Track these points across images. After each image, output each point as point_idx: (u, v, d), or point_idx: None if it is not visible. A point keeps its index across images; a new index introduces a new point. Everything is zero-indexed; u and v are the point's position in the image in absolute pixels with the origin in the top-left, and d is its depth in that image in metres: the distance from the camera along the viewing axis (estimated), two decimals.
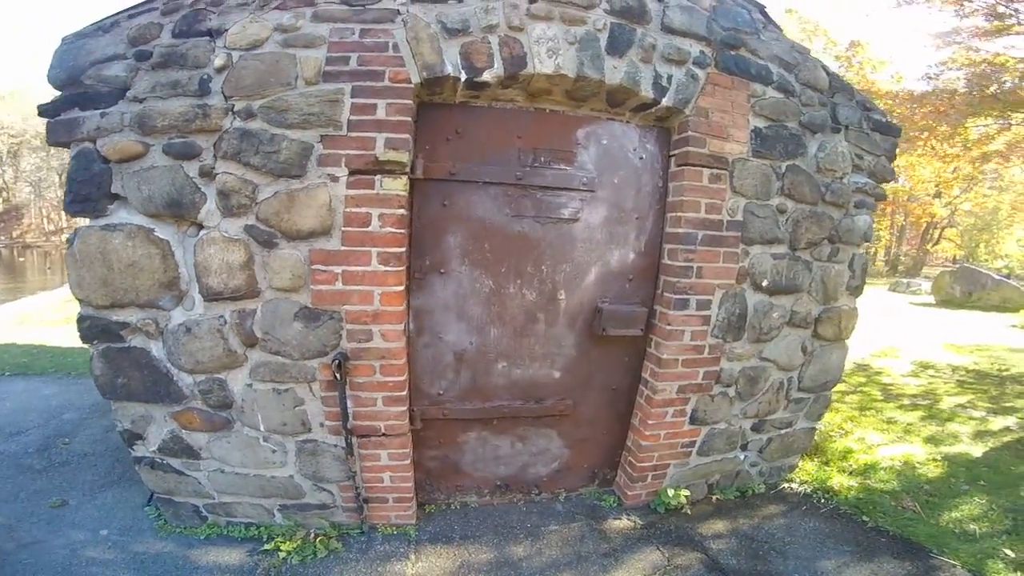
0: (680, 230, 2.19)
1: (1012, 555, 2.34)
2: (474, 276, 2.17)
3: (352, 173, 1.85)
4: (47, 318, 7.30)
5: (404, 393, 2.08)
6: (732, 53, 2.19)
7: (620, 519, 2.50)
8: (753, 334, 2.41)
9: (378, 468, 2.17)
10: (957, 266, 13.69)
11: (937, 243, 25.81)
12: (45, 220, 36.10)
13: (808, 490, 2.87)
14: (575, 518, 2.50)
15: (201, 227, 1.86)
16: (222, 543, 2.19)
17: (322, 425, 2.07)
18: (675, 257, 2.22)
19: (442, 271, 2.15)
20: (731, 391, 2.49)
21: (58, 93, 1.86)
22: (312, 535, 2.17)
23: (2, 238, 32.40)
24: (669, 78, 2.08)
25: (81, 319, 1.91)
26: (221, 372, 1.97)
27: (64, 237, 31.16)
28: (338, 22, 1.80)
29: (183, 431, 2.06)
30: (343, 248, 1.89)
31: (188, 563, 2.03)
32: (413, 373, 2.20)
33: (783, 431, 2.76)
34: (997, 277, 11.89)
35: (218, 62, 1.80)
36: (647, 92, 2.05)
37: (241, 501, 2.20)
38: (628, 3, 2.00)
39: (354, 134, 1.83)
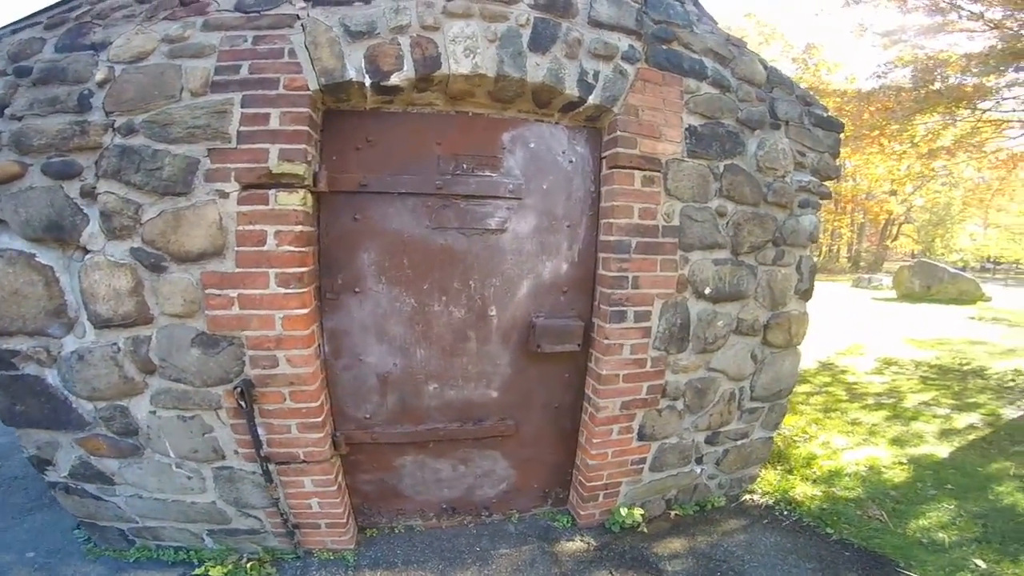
0: (612, 238, 1.92)
1: (983, 565, 2.08)
2: (393, 294, 1.89)
3: (244, 188, 1.58)
4: None
5: (320, 419, 1.79)
6: (664, 47, 1.93)
7: (573, 540, 2.20)
8: (698, 344, 2.14)
9: (303, 495, 1.88)
10: (915, 261, 13.43)
11: (895, 239, 25.52)
12: None
13: (770, 501, 2.56)
14: (527, 540, 2.20)
15: (86, 251, 1.59)
16: (152, 566, 1.93)
17: (236, 452, 1.78)
18: (609, 267, 1.95)
19: (357, 290, 1.87)
20: (679, 404, 2.21)
21: None
22: (245, 559, 1.90)
23: None
24: (596, 74, 1.82)
25: None
26: (121, 399, 1.69)
27: None
28: (230, 30, 1.56)
29: (92, 457, 1.77)
30: (238, 270, 1.62)
31: None
32: (334, 397, 1.92)
33: (739, 442, 2.46)
34: (953, 271, 11.64)
35: (99, 76, 1.54)
36: (572, 90, 1.79)
37: (166, 525, 1.92)
38: None
39: (244, 146, 1.56)
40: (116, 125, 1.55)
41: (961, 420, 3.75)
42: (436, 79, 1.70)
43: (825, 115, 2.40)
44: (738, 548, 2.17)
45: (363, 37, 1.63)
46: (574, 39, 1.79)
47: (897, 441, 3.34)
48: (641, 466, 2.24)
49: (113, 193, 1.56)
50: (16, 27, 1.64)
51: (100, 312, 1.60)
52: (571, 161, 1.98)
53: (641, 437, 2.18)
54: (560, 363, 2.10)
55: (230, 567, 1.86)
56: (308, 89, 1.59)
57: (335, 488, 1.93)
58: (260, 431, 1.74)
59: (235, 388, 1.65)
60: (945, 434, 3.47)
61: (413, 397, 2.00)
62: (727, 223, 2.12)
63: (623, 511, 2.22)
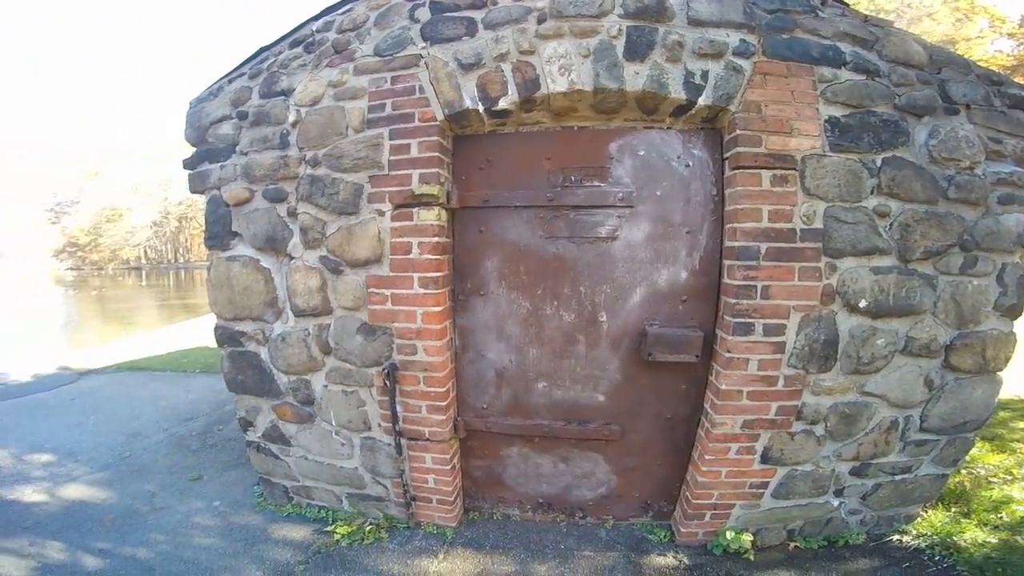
0: (738, 243, 1.60)
1: None
2: (511, 298, 1.86)
3: (395, 207, 1.72)
4: None
5: (445, 403, 1.85)
6: (784, 36, 1.57)
7: (665, 556, 1.88)
8: (849, 364, 1.65)
9: (423, 469, 1.96)
10: None
11: None
12: None
13: (923, 544, 1.87)
14: (615, 547, 1.95)
15: (291, 257, 1.91)
16: (297, 521, 2.18)
17: (379, 425, 1.94)
18: (734, 275, 1.63)
19: (482, 293, 1.89)
20: (818, 429, 1.73)
21: (193, 150, 2.06)
22: (367, 523, 2.04)
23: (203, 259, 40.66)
24: (704, 74, 1.57)
25: (216, 328, 2.10)
26: (306, 374, 1.98)
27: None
28: (373, 72, 1.72)
29: (279, 421, 2.11)
30: (391, 274, 1.77)
31: (263, 534, 2.05)
32: (459, 386, 1.97)
33: (897, 477, 1.84)
34: None
35: (291, 118, 1.84)
36: (678, 94, 1.56)
37: (318, 486, 2.17)
38: (644, 2, 1.56)
39: (394, 172, 1.71)
40: (306, 158, 1.83)
41: None
42: (538, 99, 1.64)
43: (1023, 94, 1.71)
44: None
45: (473, 68, 1.66)
46: (673, 42, 1.57)
47: None
48: (761, 491, 1.81)
49: (308, 213, 1.84)
50: (231, 77, 2.01)
51: (298, 304, 1.90)
52: (688, 165, 1.74)
53: (765, 460, 1.76)
54: (675, 374, 1.82)
55: (354, 528, 2.01)
56: (436, 120, 1.68)
57: (449, 468, 1.96)
58: (398, 408, 1.86)
59: (384, 370, 1.80)
60: None
61: (524, 393, 1.94)
62: (890, 225, 1.62)
63: (729, 534, 1.82)
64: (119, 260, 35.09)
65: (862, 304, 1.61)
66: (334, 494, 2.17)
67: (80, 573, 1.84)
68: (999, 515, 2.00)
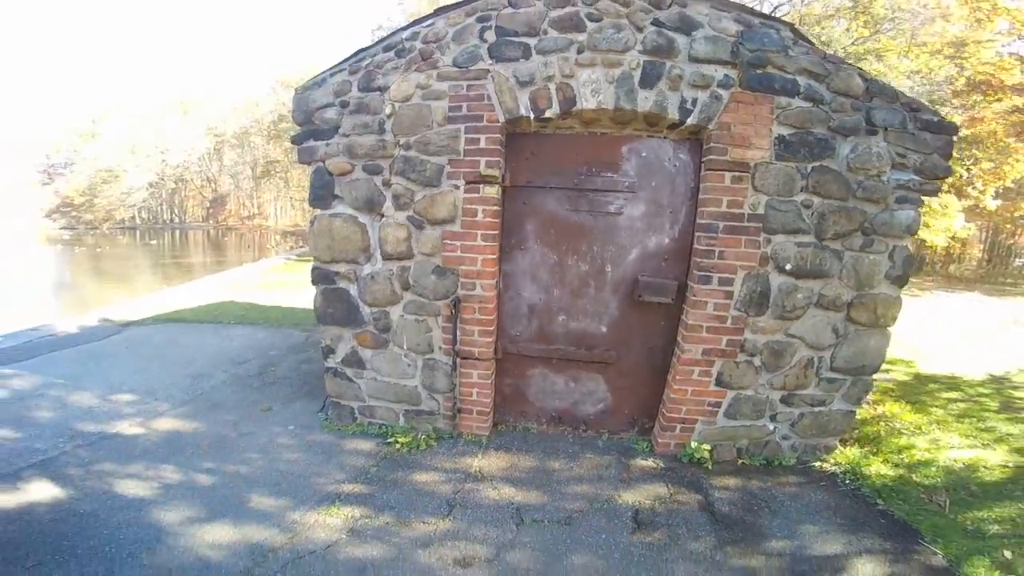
0: (704, 221, 2.75)
1: (1008, 557, 2.32)
2: (543, 252, 3.04)
3: (467, 183, 2.88)
4: (252, 284, 10.16)
5: (492, 329, 3.04)
6: (758, 72, 2.65)
7: (647, 460, 3.08)
8: (777, 311, 2.82)
9: (470, 384, 3.15)
10: None
11: None
12: (242, 207, 45.11)
13: (838, 471, 3.02)
14: (609, 452, 3.16)
15: (383, 216, 3.06)
16: (361, 437, 3.28)
17: (440, 347, 3.13)
18: (701, 242, 2.79)
19: (522, 248, 3.07)
20: (756, 361, 2.91)
21: (299, 128, 3.13)
22: (420, 435, 3.22)
23: (211, 221, 41.93)
24: (694, 101, 2.68)
25: (313, 269, 3.25)
26: (387, 306, 3.15)
27: (256, 222, 39.19)
28: (453, 80, 2.82)
29: (359, 347, 3.28)
30: (461, 230, 2.93)
31: (337, 448, 3.15)
32: (500, 317, 3.16)
33: (816, 409, 3.02)
34: None
35: (387, 111, 2.95)
36: (674, 115, 2.68)
37: (381, 404, 3.34)
38: (659, 42, 2.64)
39: (467, 158, 2.85)
40: (400, 143, 2.96)
41: None
42: (573, 112, 2.76)
43: (935, 119, 2.80)
44: (783, 495, 2.75)
45: (527, 85, 2.77)
46: (676, 75, 2.67)
47: (1019, 451, 3.31)
48: (716, 409, 3.01)
49: (400, 184, 2.99)
50: (332, 71, 3.08)
51: (387, 250, 3.06)
52: (675, 165, 2.87)
53: (719, 383, 2.95)
54: (657, 313, 3.00)
55: (410, 439, 3.17)
56: (499, 122, 2.80)
57: (489, 383, 3.16)
58: (457, 333, 3.04)
59: (451, 302, 2.97)
60: None
61: (548, 323, 3.13)
62: (811, 213, 2.76)
63: (694, 445, 3.02)
64: (113, 220, 37.28)
65: (788, 267, 2.77)
66: (394, 411, 3.37)
67: (199, 488, 2.66)
68: (901, 456, 3.20)
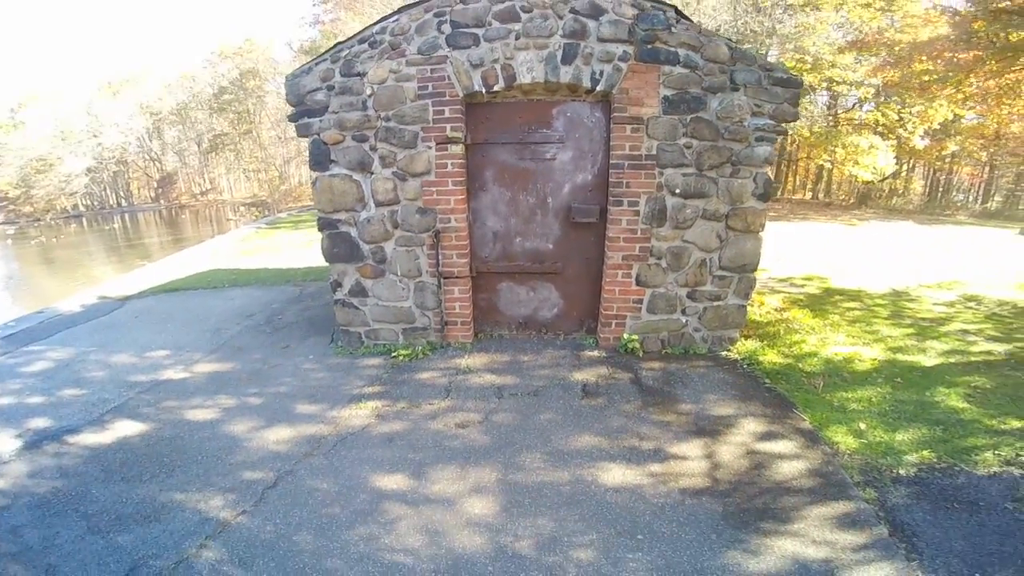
0: (614, 161, 4.36)
1: (862, 427, 3.39)
2: (500, 191, 4.61)
3: (437, 144, 4.39)
4: (232, 252, 11.53)
5: (467, 252, 4.61)
6: (648, 46, 4.21)
7: (593, 352, 4.73)
8: (673, 223, 4.47)
9: (452, 299, 4.73)
10: None
11: None
12: (192, 183, 47.47)
13: (739, 358, 4.63)
14: (564, 348, 4.81)
15: (373, 174, 4.56)
16: (370, 356, 4.84)
17: (426, 271, 4.68)
18: (613, 176, 4.39)
19: (484, 189, 4.62)
20: (663, 263, 4.57)
21: (292, 109, 4.56)
22: (417, 348, 4.80)
23: (162, 201, 44.07)
24: (601, 72, 4.25)
25: (319, 219, 4.72)
26: (382, 241, 4.67)
27: (210, 197, 42.88)
28: (419, 65, 4.30)
29: (361, 278, 4.81)
30: (436, 179, 4.46)
31: (352, 366, 4.66)
32: (472, 243, 4.72)
33: (716, 303, 4.70)
34: None
35: (368, 91, 4.42)
36: (587, 84, 4.24)
37: (383, 327, 4.91)
38: (575, 27, 4.18)
39: (436, 125, 4.36)
40: (381, 116, 4.44)
41: (983, 347, 4.87)
42: (515, 86, 4.30)
43: (784, 76, 4.45)
44: (692, 373, 4.36)
45: (478, 67, 4.28)
46: (588, 53, 4.23)
47: (896, 349, 4.79)
48: (639, 305, 4.66)
49: (384, 148, 4.48)
50: (317, 61, 4.53)
51: (379, 199, 4.57)
52: (592, 121, 4.46)
53: (638, 283, 4.60)
54: (588, 231, 4.62)
55: (410, 351, 4.74)
56: (458, 96, 4.31)
57: (468, 298, 4.74)
58: (440, 258, 4.59)
59: (432, 233, 4.51)
60: (952, 353, 4.71)
61: (508, 246, 4.72)
62: (692, 151, 4.39)
63: (627, 336, 4.68)
64: (56, 210, 38.07)
65: (677, 191, 4.41)
66: (394, 331, 4.92)
67: (252, 407, 3.90)
68: (791, 350, 4.84)
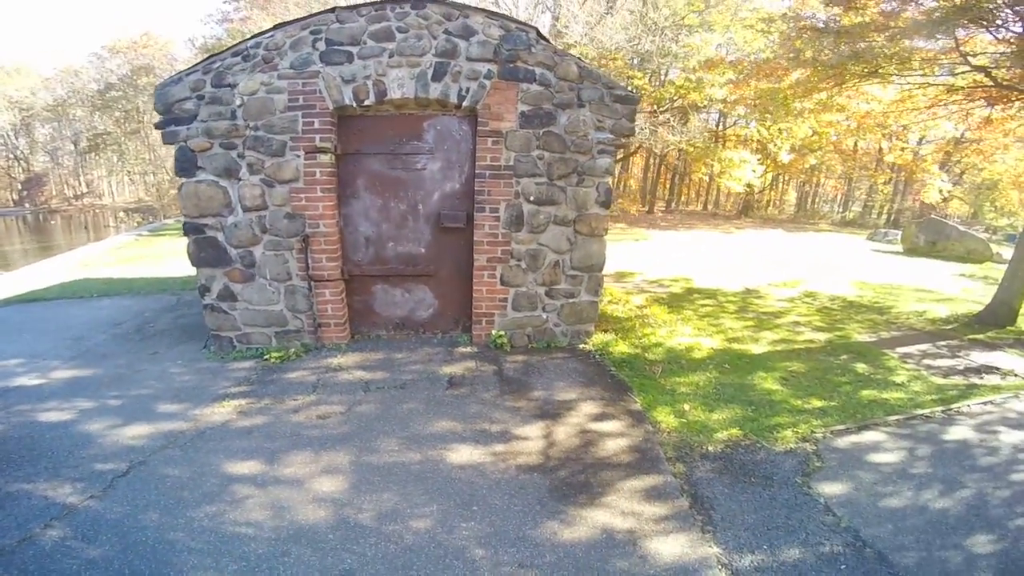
0: (478, 171, 4.76)
1: (686, 408, 3.89)
2: (372, 199, 4.83)
3: (306, 154, 4.53)
4: (104, 261, 10.61)
5: (337, 256, 4.77)
6: (510, 65, 4.65)
7: (465, 348, 5.06)
8: (529, 227, 4.94)
9: (324, 301, 4.86)
10: (925, 218, 15.44)
11: (947, 200, 26.77)
12: (65, 186, 42.78)
13: (592, 349, 5.16)
14: (440, 345, 5.10)
15: (240, 180, 4.58)
16: (242, 359, 4.82)
17: (297, 274, 4.77)
18: (477, 185, 4.79)
19: (356, 197, 4.82)
20: (522, 264, 5.03)
21: (159, 117, 4.52)
22: (291, 351, 4.86)
23: (28, 205, 39.34)
24: (467, 89, 4.63)
25: (184, 223, 4.67)
26: (251, 246, 4.70)
27: (87, 201, 40.02)
28: (291, 79, 4.45)
29: (230, 283, 4.79)
30: (304, 186, 4.58)
31: (222, 369, 4.63)
32: (344, 248, 4.89)
33: (571, 300, 5.21)
34: (962, 228, 13.67)
35: (238, 102, 4.49)
36: (454, 100, 4.61)
37: (255, 330, 4.92)
38: (447, 47, 4.53)
39: (305, 135, 4.50)
40: (250, 125, 4.51)
41: (807, 336, 5.79)
42: (386, 100, 4.57)
43: (623, 93, 5.08)
44: (549, 364, 4.82)
45: (351, 82, 4.51)
46: (456, 71, 4.60)
47: (732, 339, 5.61)
48: (505, 304, 5.08)
49: (252, 156, 4.53)
50: (188, 72, 4.54)
51: (246, 204, 4.60)
52: (460, 134, 4.83)
53: (502, 283, 5.01)
54: (457, 235, 4.97)
55: (283, 353, 4.81)
56: (329, 109, 4.50)
57: (340, 300, 4.89)
58: (309, 261, 4.70)
59: (301, 238, 4.62)
60: (780, 341, 5.56)
61: (381, 250, 4.94)
62: (544, 163, 4.90)
63: (495, 333, 5.07)
64: None
65: (531, 199, 4.89)
66: (266, 335, 4.94)
67: (112, 408, 3.84)
68: (641, 341, 5.46)
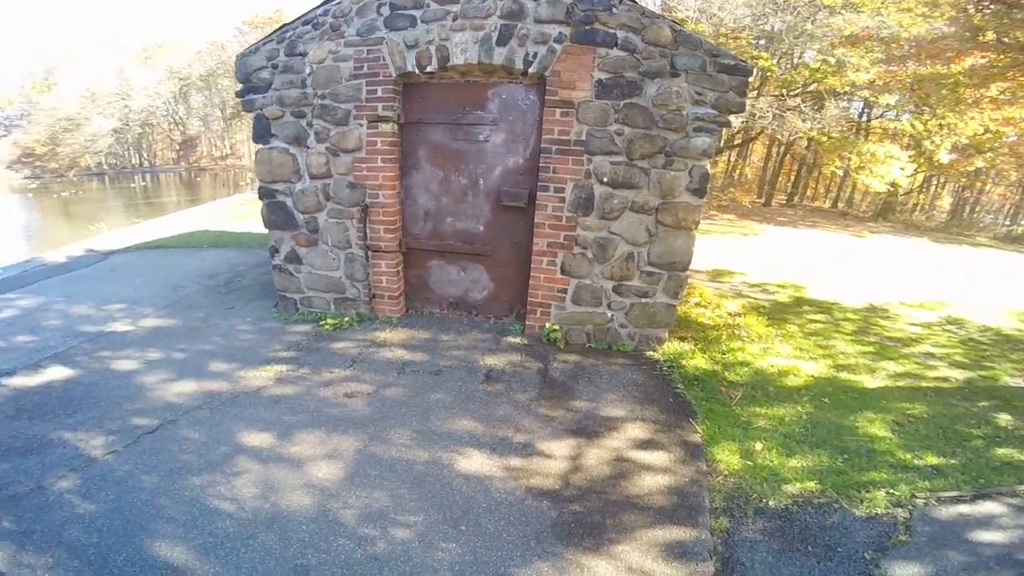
0: (544, 145, 4.24)
1: (758, 448, 3.13)
2: (433, 170, 4.58)
3: (369, 122, 4.38)
4: (225, 215, 11.98)
5: (395, 227, 4.64)
6: (586, 28, 4.00)
7: (515, 338, 4.66)
8: (600, 212, 4.32)
9: (380, 272, 4.76)
10: None
11: None
12: (213, 148, 49.81)
13: (661, 359, 4.39)
14: (489, 331, 4.77)
15: (308, 148, 4.60)
16: (301, 322, 4.96)
17: (356, 243, 4.71)
18: (542, 161, 4.28)
19: (417, 168, 4.60)
20: (588, 253, 4.44)
21: (240, 85, 4.67)
22: (345, 318, 4.86)
23: (183, 164, 46.43)
24: (535, 54, 4.11)
25: (260, 188, 4.83)
26: (315, 212, 4.74)
27: (229, 161, 45.88)
28: (356, 46, 4.29)
29: (296, 246, 4.90)
30: (366, 156, 4.46)
31: (282, 330, 4.79)
32: (403, 220, 4.74)
33: (643, 300, 4.50)
34: None
35: (307, 71, 4.45)
36: (519, 66, 4.12)
37: (316, 295, 5.00)
38: (513, 8, 4.03)
39: (368, 103, 4.34)
40: (318, 94, 4.46)
41: (942, 372, 4.58)
42: (449, 67, 4.21)
43: (731, 63, 4.18)
44: (605, 369, 4.19)
45: (413, 47, 4.21)
46: (523, 34, 4.09)
47: (841, 367, 4.53)
48: (564, 295, 4.56)
49: (319, 124, 4.50)
50: (264, 42, 4.57)
51: (312, 172, 4.62)
52: (526, 103, 4.33)
53: (563, 271, 4.49)
54: (517, 215, 4.54)
55: (337, 321, 4.82)
56: (392, 76, 4.27)
57: (395, 273, 4.76)
58: (368, 231, 4.61)
59: (361, 208, 4.53)
60: (902, 376, 4.43)
61: (440, 224, 4.70)
62: (623, 139, 4.22)
63: (549, 325, 4.59)
64: (79, 167, 40.99)
65: (605, 179, 4.25)
66: (326, 300, 5.00)
67: (173, 361, 4.11)
68: (724, 356, 4.55)
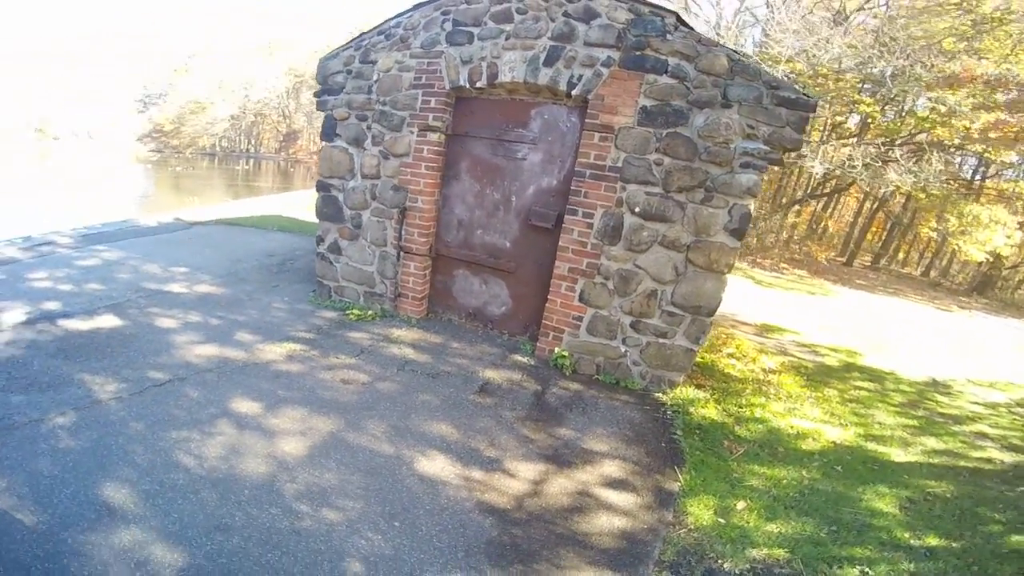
0: (578, 168, 4.18)
1: (739, 507, 2.85)
2: (471, 183, 4.69)
3: (419, 130, 4.62)
4: (303, 205, 13.01)
5: (428, 232, 4.80)
6: (637, 53, 3.92)
7: (523, 357, 4.57)
8: (627, 244, 4.15)
9: (408, 273, 4.93)
10: None
11: None
12: (311, 143, 53.65)
13: (669, 401, 4.07)
14: (501, 347, 4.71)
15: (364, 149, 4.93)
16: (331, 309, 5.22)
17: (391, 243, 4.93)
18: (574, 184, 4.22)
19: (456, 178, 4.75)
20: (609, 284, 4.26)
21: (318, 87, 5.13)
22: (370, 311, 5.07)
23: (283, 154, 50.89)
24: (580, 77, 4.09)
25: (318, 182, 5.26)
26: (361, 209, 5.04)
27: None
28: (419, 58, 4.57)
29: (340, 238, 5.22)
30: (412, 161, 4.70)
31: (310, 313, 5.06)
32: (438, 227, 4.89)
33: (660, 340, 4.22)
34: None
35: (375, 77, 4.80)
36: (563, 87, 4.13)
37: (348, 286, 5.28)
38: (564, 30, 4.08)
39: (421, 113, 4.59)
40: (380, 100, 4.79)
41: (987, 454, 4.06)
42: (497, 83, 4.34)
43: (792, 96, 3.86)
44: (604, 405, 3.91)
45: (468, 63, 4.40)
46: (571, 56, 4.11)
47: (872, 437, 4.06)
48: (579, 323, 4.40)
49: (377, 128, 4.83)
50: (344, 48, 4.99)
51: (365, 172, 4.94)
52: (567, 125, 4.33)
53: (581, 299, 4.34)
54: (544, 236, 4.49)
55: (362, 313, 5.02)
56: (445, 88, 4.49)
57: (423, 276, 4.90)
58: (403, 232, 4.80)
59: (400, 209, 4.75)
60: (939, 454, 3.95)
61: (470, 235, 4.79)
62: (662, 169, 4.04)
63: (558, 350, 4.44)
64: (196, 146, 48.49)
65: (637, 209, 4.09)
66: (356, 291, 5.27)
67: (208, 326, 4.39)
68: (740, 410, 4.11)
